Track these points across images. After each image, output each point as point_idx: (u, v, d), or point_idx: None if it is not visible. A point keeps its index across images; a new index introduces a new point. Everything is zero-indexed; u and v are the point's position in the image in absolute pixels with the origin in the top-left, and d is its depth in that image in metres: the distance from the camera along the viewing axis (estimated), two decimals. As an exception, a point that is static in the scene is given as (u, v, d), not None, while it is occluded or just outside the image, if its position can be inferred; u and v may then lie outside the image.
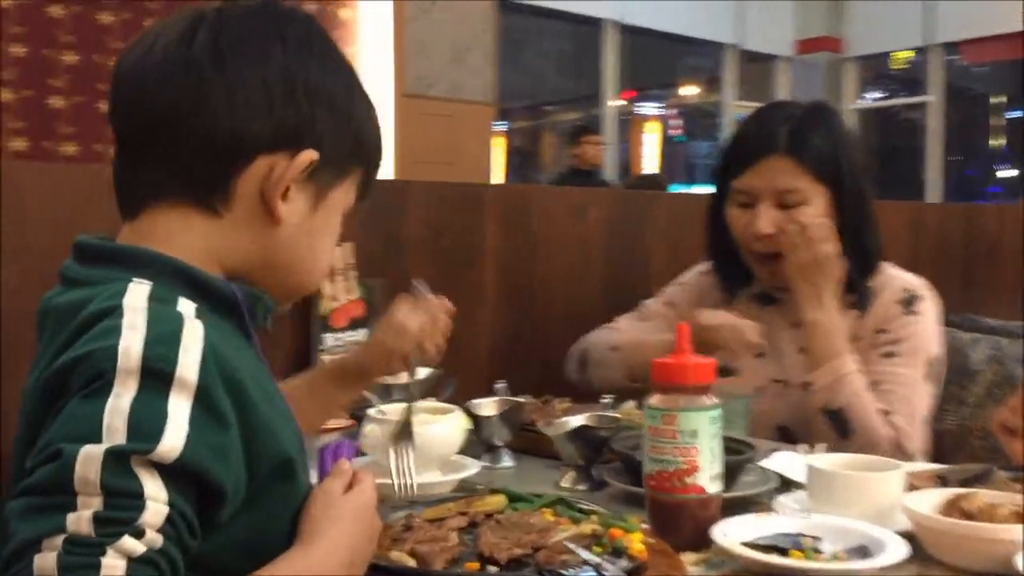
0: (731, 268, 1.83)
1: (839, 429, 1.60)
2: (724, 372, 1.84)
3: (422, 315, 1.23)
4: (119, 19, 3.76)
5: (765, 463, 1.42)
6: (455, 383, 1.75)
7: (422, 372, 1.82)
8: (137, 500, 0.69)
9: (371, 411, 1.41)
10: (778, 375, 1.76)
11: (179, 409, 0.72)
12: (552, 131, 10.18)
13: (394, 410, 1.40)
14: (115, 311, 0.76)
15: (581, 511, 1.15)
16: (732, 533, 1.09)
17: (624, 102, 9.21)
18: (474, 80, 6.04)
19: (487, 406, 1.55)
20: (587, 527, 1.07)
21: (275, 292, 0.92)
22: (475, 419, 1.53)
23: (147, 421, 0.71)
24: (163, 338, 0.74)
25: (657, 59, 9.84)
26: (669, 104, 10.51)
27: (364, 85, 0.95)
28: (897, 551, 1.04)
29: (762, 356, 1.77)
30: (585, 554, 0.99)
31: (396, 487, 1.19)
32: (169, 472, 0.71)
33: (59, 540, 0.66)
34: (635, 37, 8.58)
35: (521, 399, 1.60)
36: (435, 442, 1.35)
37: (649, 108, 10.03)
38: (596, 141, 6.44)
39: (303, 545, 0.83)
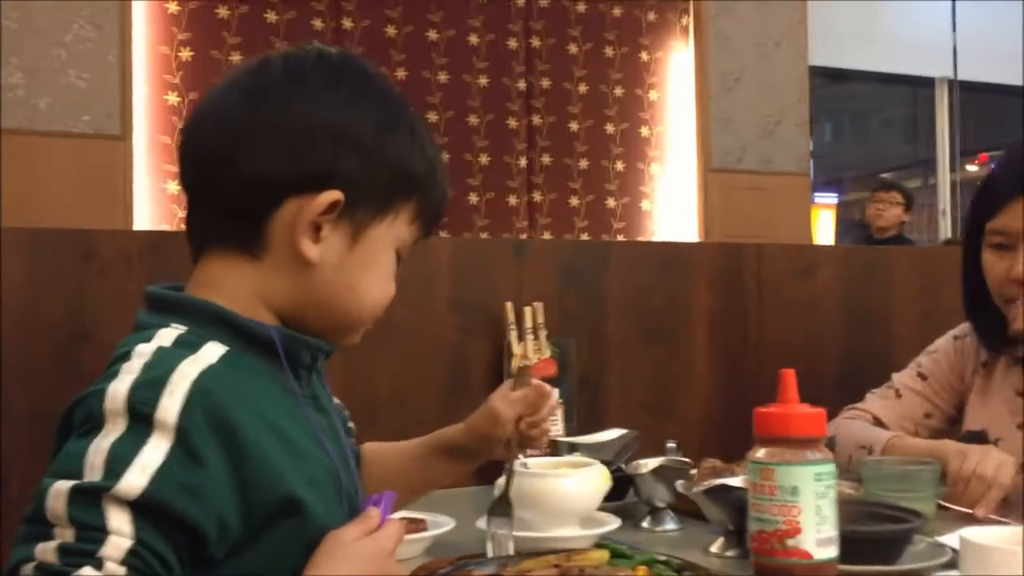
0: (990, 326, 1.63)
1: None
2: (978, 439, 1.64)
3: (520, 402, 1.18)
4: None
5: (946, 537, 1.24)
6: (638, 446, 1.70)
7: (609, 434, 1.79)
8: (100, 533, 0.74)
9: (517, 463, 1.41)
10: None
11: (155, 449, 0.77)
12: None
13: (539, 464, 1.39)
14: (126, 356, 0.83)
15: (678, 571, 1.07)
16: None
17: (976, 167, 8.48)
18: (786, 151, 5.87)
19: (647, 465, 1.49)
20: (668, 587, 1.00)
21: (326, 331, 0.95)
22: (631, 479, 1.48)
23: (119, 460, 0.76)
24: (150, 382, 0.80)
25: (1008, 116, 9.00)
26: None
27: (415, 121, 0.96)
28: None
29: None
30: (637, 612, 0.92)
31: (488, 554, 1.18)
32: (138, 508, 0.75)
33: (30, 567, 0.74)
34: (978, 95, 7.92)
35: (686, 459, 1.52)
36: (568, 496, 1.32)
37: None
38: (882, 200, 5.84)
39: None
